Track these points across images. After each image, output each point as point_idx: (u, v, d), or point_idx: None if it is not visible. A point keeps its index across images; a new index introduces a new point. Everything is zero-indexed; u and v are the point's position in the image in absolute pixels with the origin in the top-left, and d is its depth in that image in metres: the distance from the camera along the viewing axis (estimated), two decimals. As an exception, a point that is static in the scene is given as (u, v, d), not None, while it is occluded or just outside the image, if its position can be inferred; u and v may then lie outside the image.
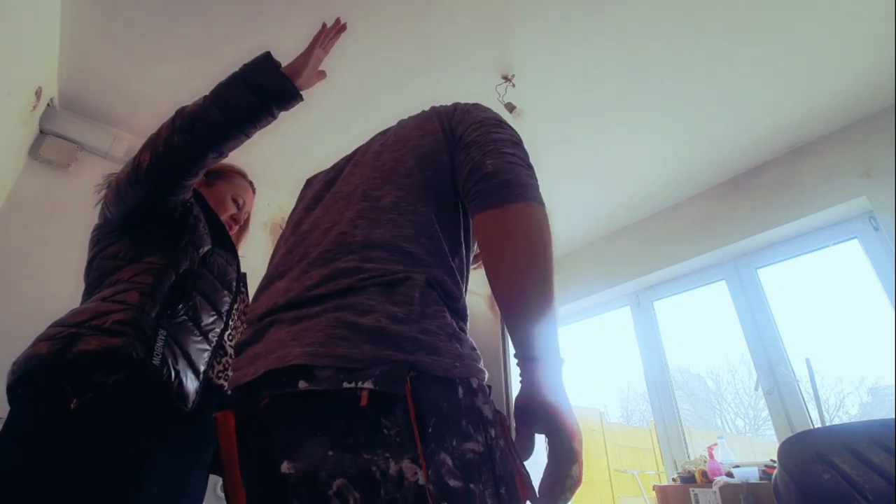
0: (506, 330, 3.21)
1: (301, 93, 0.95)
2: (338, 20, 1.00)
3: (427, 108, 0.85)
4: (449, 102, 0.84)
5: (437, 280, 0.61)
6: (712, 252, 2.81)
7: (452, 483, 0.48)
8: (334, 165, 0.90)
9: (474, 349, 0.61)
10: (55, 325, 0.85)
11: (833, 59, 2.08)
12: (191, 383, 0.88)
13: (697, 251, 2.86)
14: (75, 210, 2.12)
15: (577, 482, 0.55)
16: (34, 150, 2.15)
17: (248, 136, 0.94)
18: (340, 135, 2.37)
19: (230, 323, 1.04)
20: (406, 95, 2.19)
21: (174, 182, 0.93)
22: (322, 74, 1.02)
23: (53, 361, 0.77)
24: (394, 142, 0.77)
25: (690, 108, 2.35)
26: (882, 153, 2.27)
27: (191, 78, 2.14)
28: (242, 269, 1.15)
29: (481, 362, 0.60)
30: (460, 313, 0.64)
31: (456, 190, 0.72)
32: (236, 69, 0.92)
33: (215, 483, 1.94)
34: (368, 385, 0.49)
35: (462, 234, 0.71)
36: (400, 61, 2.08)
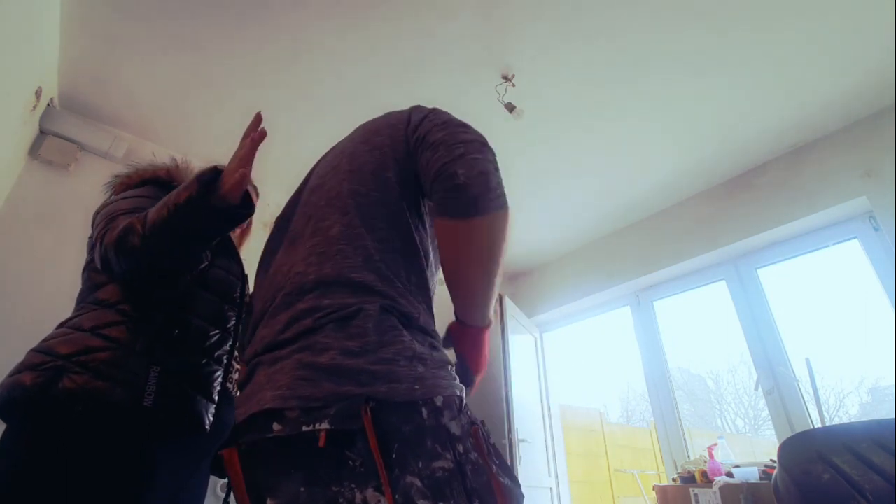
0: (506, 329, 3.19)
1: (252, 205, 0.81)
2: (258, 123, 0.77)
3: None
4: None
5: (392, 304, 0.63)
6: (712, 252, 2.81)
7: (422, 503, 0.50)
8: (295, 193, 0.86)
9: (442, 365, 0.62)
10: (39, 350, 0.81)
11: (833, 60, 2.08)
12: (203, 408, 0.86)
13: (697, 251, 2.86)
14: (75, 210, 2.12)
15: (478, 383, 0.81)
16: (34, 150, 2.15)
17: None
18: (341, 133, 2.36)
19: (240, 328, 1.02)
20: (406, 95, 2.19)
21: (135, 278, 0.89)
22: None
23: (37, 396, 0.74)
24: (341, 162, 0.77)
25: (691, 109, 2.35)
26: (882, 153, 2.27)
27: (191, 77, 2.14)
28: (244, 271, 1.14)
29: (450, 378, 0.61)
30: (423, 329, 0.65)
31: (405, 201, 0.72)
32: (169, 202, 0.77)
33: (215, 483, 1.94)
34: (325, 426, 0.52)
35: (418, 241, 0.72)
36: (400, 60, 2.08)
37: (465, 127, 0.72)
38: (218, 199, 0.76)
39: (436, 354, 0.63)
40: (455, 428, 0.57)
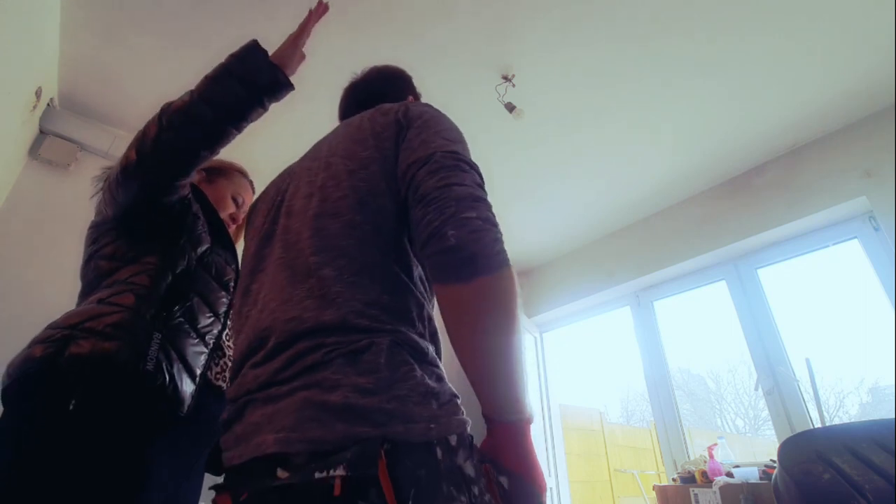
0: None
1: (292, 82, 0.94)
2: (320, 2, 0.98)
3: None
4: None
5: (402, 338, 0.60)
6: (712, 252, 2.80)
7: None
8: (273, 195, 0.83)
9: (452, 397, 0.60)
10: (50, 326, 0.84)
11: (833, 60, 2.08)
12: (187, 387, 0.87)
13: (697, 251, 2.86)
14: (75, 210, 2.11)
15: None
16: (34, 150, 2.15)
17: (239, 130, 0.93)
18: (340, 135, 2.36)
19: (228, 323, 1.03)
20: (406, 95, 2.19)
21: (165, 183, 0.91)
22: (302, 56, 1.01)
23: (46, 366, 0.76)
24: (325, 179, 0.71)
25: (690, 109, 2.35)
26: (882, 153, 2.27)
27: (191, 77, 2.14)
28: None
29: (461, 412, 0.59)
30: (432, 361, 0.63)
31: (401, 226, 0.67)
32: (223, 59, 0.90)
33: (212, 482, 1.94)
34: (340, 472, 0.48)
35: (416, 276, 0.68)
36: (399, 60, 2.07)
37: (458, 169, 0.65)
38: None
39: (445, 387, 0.60)
40: (469, 469, 0.55)
